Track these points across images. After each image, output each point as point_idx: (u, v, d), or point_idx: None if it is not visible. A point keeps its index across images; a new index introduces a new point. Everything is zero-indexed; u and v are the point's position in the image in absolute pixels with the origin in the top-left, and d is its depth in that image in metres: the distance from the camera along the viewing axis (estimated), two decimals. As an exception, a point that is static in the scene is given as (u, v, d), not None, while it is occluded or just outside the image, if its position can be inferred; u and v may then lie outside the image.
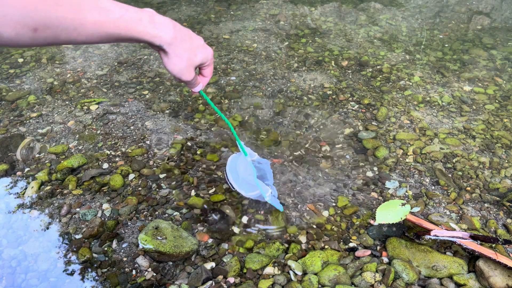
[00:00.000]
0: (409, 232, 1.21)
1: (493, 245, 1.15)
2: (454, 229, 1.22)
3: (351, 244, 1.20)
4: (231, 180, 1.22)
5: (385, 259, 1.15)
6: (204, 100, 1.26)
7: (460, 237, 1.12)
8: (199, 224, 1.27)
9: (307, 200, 1.36)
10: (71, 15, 0.52)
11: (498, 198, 1.38)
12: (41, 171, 1.46)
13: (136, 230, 1.24)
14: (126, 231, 1.24)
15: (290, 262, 1.13)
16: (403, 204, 1.18)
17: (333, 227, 1.27)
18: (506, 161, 1.56)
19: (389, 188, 1.42)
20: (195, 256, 1.16)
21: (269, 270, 1.11)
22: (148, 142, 1.64)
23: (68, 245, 1.20)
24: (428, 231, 1.16)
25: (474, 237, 1.11)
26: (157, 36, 0.64)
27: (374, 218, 1.26)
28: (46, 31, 0.50)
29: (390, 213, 1.18)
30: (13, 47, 0.51)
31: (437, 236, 1.14)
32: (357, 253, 1.17)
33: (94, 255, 1.17)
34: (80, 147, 1.60)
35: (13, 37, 0.48)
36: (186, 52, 0.69)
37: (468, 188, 1.43)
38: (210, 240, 1.21)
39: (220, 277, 1.09)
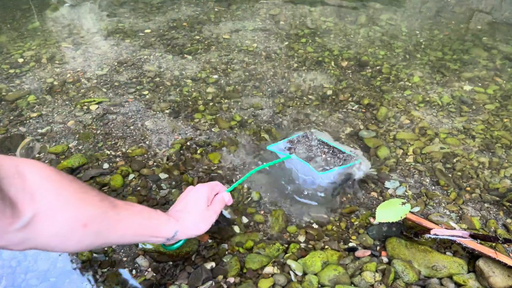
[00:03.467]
0: (407, 231, 1.21)
1: (493, 244, 1.15)
2: (454, 228, 1.22)
3: (351, 244, 1.20)
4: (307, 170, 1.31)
5: (385, 259, 1.15)
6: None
7: (459, 236, 1.12)
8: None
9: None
10: (111, 211, 0.60)
11: (498, 198, 1.38)
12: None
13: (136, 230, 1.24)
14: (126, 231, 1.24)
15: (290, 262, 1.13)
16: (403, 203, 1.18)
17: (333, 227, 1.27)
18: (506, 161, 1.56)
19: (389, 188, 1.42)
20: (195, 256, 1.16)
21: (269, 270, 1.11)
22: (148, 142, 1.64)
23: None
24: (427, 230, 1.16)
25: (474, 236, 1.11)
26: (168, 229, 0.76)
27: (374, 217, 1.26)
28: (93, 227, 0.55)
29: (390, 212, 1.17)
30: (57, 249, 0.57)
31: (437, 235, 1.14)
32: (357, 253, 1.17)
33: (94, 255, 1.17)
34: (80, 147, 1.60)
35: (67, 232, 0.52)
36: (194, 214, 0.81)
37: (468, 188, 1.43)
38: (210, 240, 1.21)
39: (220, 277, 1.09)
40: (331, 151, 1.38)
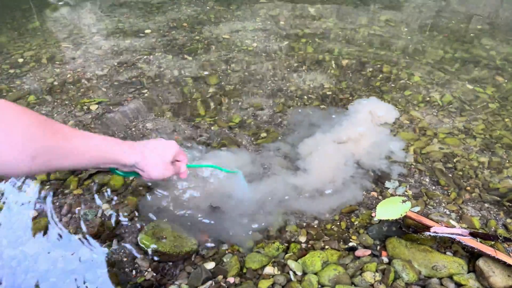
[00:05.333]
0: (406, 227, 1.20)
1: (493, 243, 1.14)
2: (454, 226, 1.22)
3: (351, 244, 1.20)
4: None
5: (385, 259, 1.15)
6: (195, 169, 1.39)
7: (459, 234, 1.12)
8: (199, 224, 1.26)
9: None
10: (63, 143, 0.61)
11: (498, 198, 1.38)
12: (41, 171, 1.46)
13: (136, 230, 1.24)
14: (126, 231, 1.24)
15: (289, 262, 1.12)
16: (404, 201, 1.17)
17: (333, 226, 1.27)
18: (507, 161, 1.56)
19: (389, 188, 1.42)
20: (195, 256, 1.16)
21: (269, 270, 1.11)
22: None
23: (68, 245, 1.20)
24: (427, 228, 1.16)
25: (473, 234, 1.11)
26: (130, 157, 0.76)
27: (375, 213, 1.25)
28: (42, 158, 0.58)
29: (390, 209, 1.17)
30: (11, 175, 0.58)
31: (436, 233, 1.14)
32: (357, 253, 1.17)
33: (94, 255, 1.17)
34: (80, 147, 1.60)
35: (15, 164, 0.55)
36: (158, 158, 0.82)
37: (468, 188, 1.43)
38: (209, 239, 1.21)
39: (220, 277, 1.09)
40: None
